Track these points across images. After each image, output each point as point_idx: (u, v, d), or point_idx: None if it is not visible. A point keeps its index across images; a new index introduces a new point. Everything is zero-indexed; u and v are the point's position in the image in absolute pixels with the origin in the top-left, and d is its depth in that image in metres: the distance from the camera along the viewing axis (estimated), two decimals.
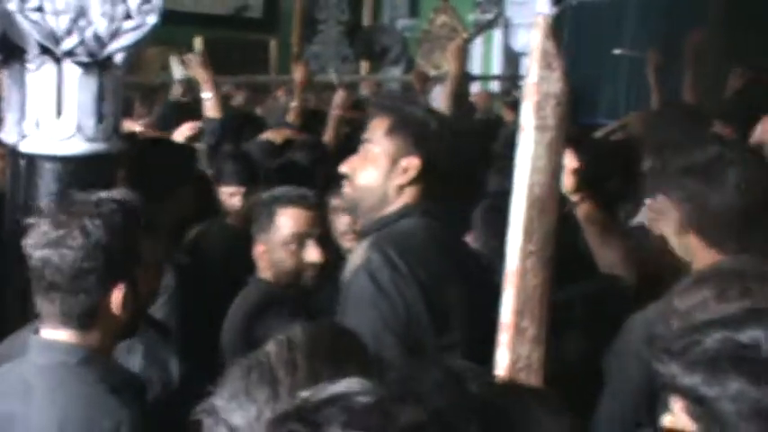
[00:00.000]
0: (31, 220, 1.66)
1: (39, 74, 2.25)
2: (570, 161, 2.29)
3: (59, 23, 2.20)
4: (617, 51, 6.04)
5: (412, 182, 2.00)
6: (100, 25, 2.24)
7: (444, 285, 1.94)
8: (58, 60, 2.23)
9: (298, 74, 4.50)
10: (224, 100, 4.24)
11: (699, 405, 1.08)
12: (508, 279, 1.60)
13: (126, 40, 2.26)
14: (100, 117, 2.28)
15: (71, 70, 2.24)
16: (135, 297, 1.66)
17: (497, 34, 8.39)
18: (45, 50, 2.21)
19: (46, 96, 2.26)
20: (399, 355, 1.78)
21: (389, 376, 0.82)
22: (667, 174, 1.99)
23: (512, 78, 7.69)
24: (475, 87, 6.97)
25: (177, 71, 5.09)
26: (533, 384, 1.51)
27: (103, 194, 1.68)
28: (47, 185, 2.27)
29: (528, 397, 0.90)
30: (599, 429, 1.87)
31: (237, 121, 4.23)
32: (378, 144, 2.02)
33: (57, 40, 2.21)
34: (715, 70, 4.62)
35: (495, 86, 7.99)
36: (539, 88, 1.59)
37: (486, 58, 8.45)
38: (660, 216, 2.06)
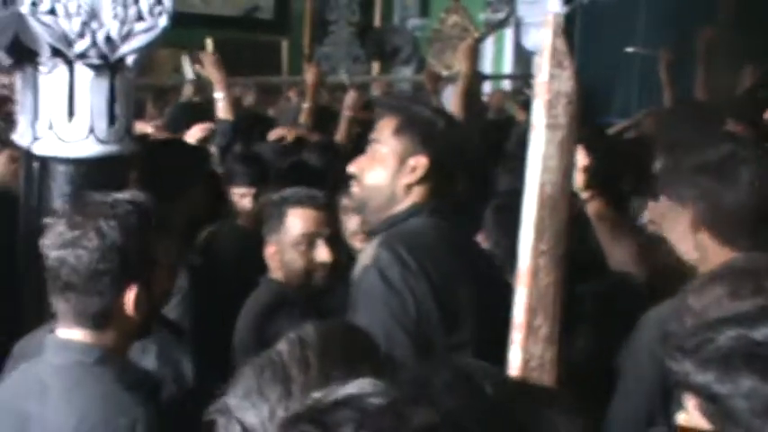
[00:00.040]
0: (48, 221, 1.68)
1: (51, 76, 2.26)
2: (581, 158, 2.29)
3: (71, 26, 2.21)
4: (629, 50, 6.02)
5: (420, 181, 2.01)
6: (112, 27, 2.25)
7: (454, 283, 1.94)
8: (70, 63, 2.24)
9: (309, 75, 4.50)
10: (235, 102, 4.25)
11: (712, 403, 1.08)
12: (520, 278, 1.60)
13: (137, 42, 2.27)
14: (112, 119, 2.29)
15: (83, 72, 2.26)
16: (149, 298, 1.67)
17: (509, 33, 8.38)
18: (57, 53, 2.23)
19: (58, 99, 2.27)
20: (410, 354, 1.78)
21: (402, 376, 0.82)
22: (680, 172, 1.98)
23: (523, 77, 7.67)
24: (487, 87, 6.96)
25: (189, 71, 5.10)
26: (546, 384, 1.51)
27: (119, 196, 1.69)
28: (60, 187, 2.28)
29: (541, 397, 0.90)
30: (612, 429, 1.86)
31: (248, 122, 4.24)
32: (385, 144, 2.02)
33: (69, 43, 2.22)
34: (727, 68, 4.60)
35: (506, 86, 7.97)
36: (550, 87, 1.58)
37: (497, 57, 8.44)
38: (662, 220, 2.05)
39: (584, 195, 2.38)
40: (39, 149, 2.30)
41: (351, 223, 2.75)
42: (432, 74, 5.20)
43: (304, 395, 1.03)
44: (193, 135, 3.59)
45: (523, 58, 8.18)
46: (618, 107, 6.38)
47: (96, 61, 2.25)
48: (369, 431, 0.72)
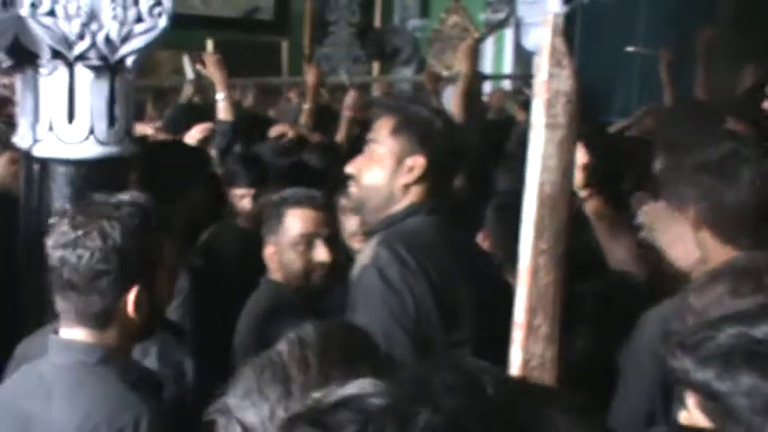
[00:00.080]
0: (52, 221, 1.69)
1: (51, 78, 2.26)
2: (581, 156, 2.29)
3: (71, 28, 2.21)
4: (630, 50, 6.02)
5: (417, 181, 2.01)
6: (111, 29, 2.25)
7: (453, 282, 1.94)
8: (70, 64, 2.24)
9: (310, 76, 4.51)
10: (236, 103, 4.25)
11: (712, 400, 1.08)
12: (520, 277, 1.60)
13: (137, 43, 2.28)
14: (112, 120, 2.30)
15: (83, 74, 2.26)
16: (150, 299, 1.68)
17: (509, 34, 8.38)
18: (57, 55, 2.23)
19: (58, 100, 2.27)
20: (410, 353, 1.78)
21: (402, 376, 0.82)
22: (681, 171, 1.98)
23: (523, 77, 7.67)
24: (487, 87, 6.96)
25: (189, 70, 5.10)
26: (547, 383, 1.51)
27: (122, 197, 1.70)
28: (60, 189, 2.28)
29: (542, 396, 0.90)
30: (613, 428, 1.86)
31: (248, 122, 4.24)
32: (383, 144, 2.03)
33: (69, 45, 2.22)
34: (727, 68, 4.60)
35: (506, 86, 7.97)
36: (549, 86, 1.58)
37: (497, 57, 8.44)
38: (654, 224, 2.05)
39: (583, 194, 2.37)
40: (39, 151, 2.31)
41: (349, 224, 2.74)
42: (432, 74, 5.19)
43: (304, 395, 1.03)
44: (193, 136, 3.59)
45: (523, 58, 8.18)
46: (618, 107, 6.38)
47: (96, 63, 2.25)
48: None
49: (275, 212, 2.52)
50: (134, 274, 1.65)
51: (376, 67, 9.52)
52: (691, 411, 1.14)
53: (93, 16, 2.23)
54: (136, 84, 2.46)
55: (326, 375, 1.06)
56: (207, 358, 2.11)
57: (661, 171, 2.66)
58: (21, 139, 2.36)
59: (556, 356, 1.59)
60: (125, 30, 2.26)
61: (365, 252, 1.98)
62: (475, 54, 4.13)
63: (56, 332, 1.69)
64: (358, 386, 0.76)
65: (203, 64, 4.19)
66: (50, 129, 2.28)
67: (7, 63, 2.28)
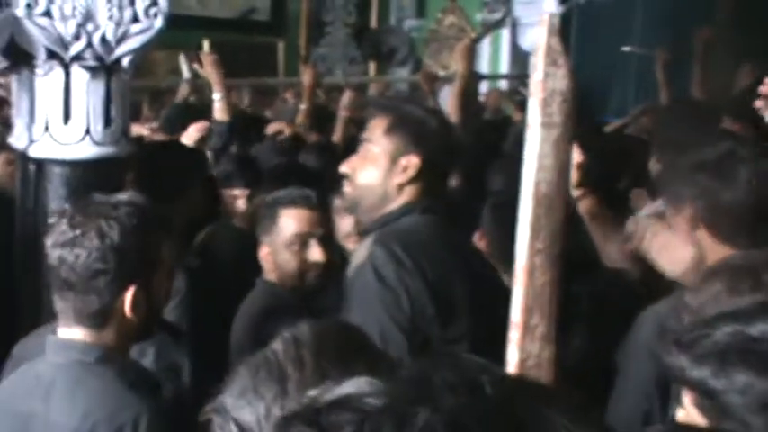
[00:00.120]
0: (51, 220, 1.69)
1: (47, 79, 2.26)
2: (576, 156, 2.29)
3: (67, 28, 2.21)
4: (626, 49, 6.03)
5: (412, 180, 2.01)
6: (107, 29, 2.24)
7: (449, 280, 1.95)
8: (66, 65, 2.24)
9: (306, 76, 4.50)
10: (233, 105, 4.25)
11: (707, 398, 1.08)
12: (517, 277, 1.60)
13: (133, 43, 2.27)
14: (108, 121, 2.29)
15: (79, 75, 2.26)
16: (147, 299, 1.68)
17: (505, 34, 8.39)
18: (53, 55, 2.23)
19: (54, 101, 2.27)
20: (406, 351, 1.78)
21: (400, 375, 0.81)
22: (678, 170, 1.98)
23: (520, 77, 7.68)
24: (483, 87, 6.96)
25: (186, 70, 5.10)
26: (544, 383, 1.51)
27: (121, 197, 1.70)
28: (56, 190, 2.28)
29: (540, 395, 0.90)
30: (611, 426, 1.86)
31: (244, 123, 4.24)
32: (377, 143, 2.03)
33: (65, 45, 2.22)
34: (724, 68, 4.60)
35: (503, 86, 7.98)
36: (545, 85, 1.58)
37: (494, 57, 8.45)
38: (645, 235, 2.04)
39: (576, 193, 2.37)
40: (35, 152, 2.30)
41: (343, 225, 2.74)
42: (428, 74, 5.20)
43: (300, 394, 1.02)
44: (190, 136, 3.59)
45: (520, 58, 8.19)
46: (614, 107, 6.39)
47: (92, 63, 2.25)
48: None
49: (269, 213, 2.52)
50: (131, 274, 1.65)
51: (372, 67, 9.53)
52: (687, 409, 1.14)
53: (88, 17, 2.23)
54: (132, 84, 2.46)
55: (322, 374, 1.05)
56: (203, 358, 2.11)
57: (658, 170, 2.67)
58: (17, 139, 2.36)
59: (552, 356, 1.59)
60: (121, 30, 2.26)
61: (360, 251, 1.98)
62: (471, 54, 4.13)
63: (54, 332, 1.69)
64: (354, 385, 0.75)
65: (200, 63, 4.19)
66: (46, 129, 2.28)
67: (3, 64, 2.28)
